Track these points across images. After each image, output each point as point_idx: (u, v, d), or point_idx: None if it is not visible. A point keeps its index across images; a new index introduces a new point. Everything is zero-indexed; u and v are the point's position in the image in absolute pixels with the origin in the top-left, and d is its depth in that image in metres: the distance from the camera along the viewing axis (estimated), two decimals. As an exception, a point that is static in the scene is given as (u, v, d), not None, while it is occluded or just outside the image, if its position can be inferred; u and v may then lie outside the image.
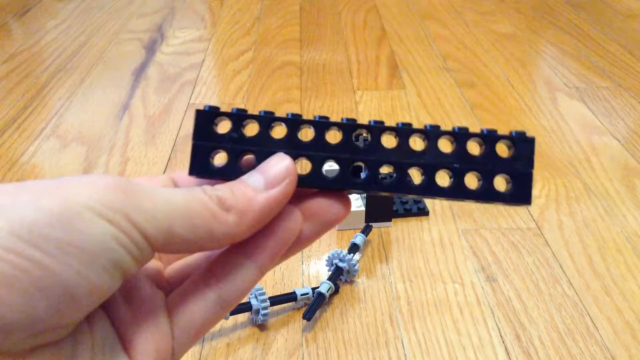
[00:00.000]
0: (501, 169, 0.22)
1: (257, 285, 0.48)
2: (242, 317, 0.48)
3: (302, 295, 0.48)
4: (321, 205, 0.22)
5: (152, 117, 0.79)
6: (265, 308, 0.46)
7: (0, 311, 0.15)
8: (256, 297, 0.47)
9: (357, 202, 0.58)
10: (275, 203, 0.21)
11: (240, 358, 0.44)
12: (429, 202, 0.61)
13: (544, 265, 0.53)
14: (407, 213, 0.59)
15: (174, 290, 0.22)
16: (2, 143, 0.73)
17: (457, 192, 0.22)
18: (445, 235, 0.57)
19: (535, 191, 0.63)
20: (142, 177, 0.24)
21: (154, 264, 0.23)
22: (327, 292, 0.48)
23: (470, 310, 0.48)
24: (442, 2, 1.22)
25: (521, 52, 0.99)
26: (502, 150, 0.22)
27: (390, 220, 0.58)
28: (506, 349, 0.45)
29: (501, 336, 0.46)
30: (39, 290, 0.16)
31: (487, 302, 0.49)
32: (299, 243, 0.22)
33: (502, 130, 0.22)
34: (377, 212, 0.57)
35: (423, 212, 0.59)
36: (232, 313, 0.46)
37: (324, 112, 0.79)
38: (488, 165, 0.22)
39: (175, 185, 0.23)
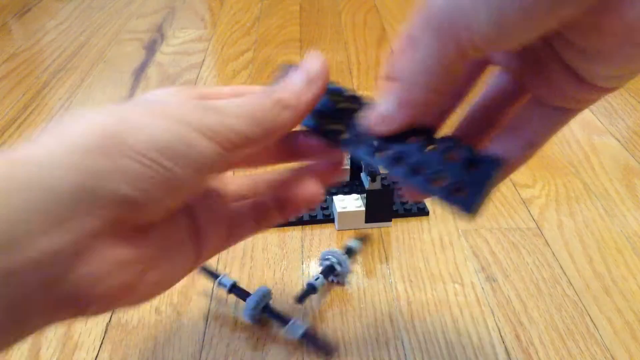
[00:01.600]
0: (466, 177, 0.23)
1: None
2: (242, 317, 0.48)
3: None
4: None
5: (152, 117, 0.79)
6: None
7: (135, 194, 0.20)
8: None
9: (357, 202, 0.58)
10: (316, 96, 0.26)
11: (240, 358, 0.44)
12: (429, 203, 0.61)
13: (544, 265, 0.53)
14: (407, 213, 0.59)
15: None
16: (2, 143, 0.73)
17: (420, 180, 0.24)
18: (445, 236, 0.57)
19: (535, 191, 0.63)
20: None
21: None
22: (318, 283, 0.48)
23: (470, 310, 0.48)
24: (442, 2, 1.22)
25: (521, 52, 0.98)
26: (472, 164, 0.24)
27: (390, 220, 0.58)
28: (506, 349, 0.45)
29: (501, 336, 0.46)
30: (163, 186, 0.21)
31: (487, 302, 0.49)
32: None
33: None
34: (377, 212, 0.57)
35: (423, 212, 0.59)
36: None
37: (324, 112, 0.79)
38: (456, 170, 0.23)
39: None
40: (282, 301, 0.49)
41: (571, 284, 0.51)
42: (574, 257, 0.54)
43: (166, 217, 0.23)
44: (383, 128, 0.26)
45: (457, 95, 0.29)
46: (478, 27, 0.20)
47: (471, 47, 0.21)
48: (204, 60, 0.96)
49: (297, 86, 0.26)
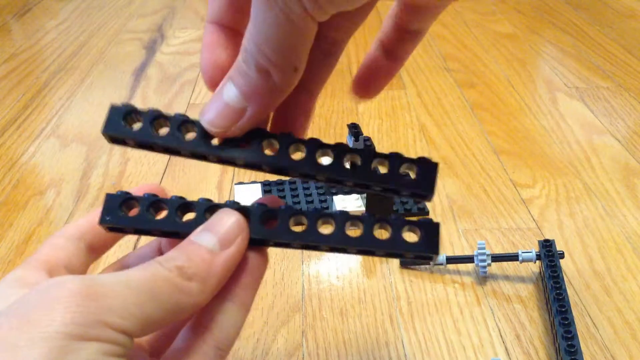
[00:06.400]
0: (405, 189, 0.22)
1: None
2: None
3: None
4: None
5: (152, 117, 0.79)
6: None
7: None
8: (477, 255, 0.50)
9: (357, 202, 0.58)
10: (233, 261, 0.21)
11: (240, 358, 0.44)
12: (428, 202, 0.61)
13: (544, 265, 0.53)
14: (407, 213, 0.59)
15: (167, 354, 0.22)
16: (2, 143, 0.73)
17: (368, 241, 0.22)
18: (445, 235, 0.57)
19: (535, 191, 0.63)
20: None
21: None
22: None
23: (470, 310, 0.48)
24: (442, 2, 1.22)
25: (521, 52, 0.99)
26: (407, 170, 0.23)
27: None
28: (506, 349, 0.45)
29: (501, 336, 0.46)
30: None
31: (487, 302, 0.49)
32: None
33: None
34: (377, 212, 0.57)
35: (423, 212, 0.59)
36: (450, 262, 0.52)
37: (324, 112, 0.79)
38: (392, 184, 0.22)
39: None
40: (282, 301, 0.49)
41: (571, 284, 0.51)
42: (574, 257, 0.54)
43: None
44: (237, 127, 0.21)
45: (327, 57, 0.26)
46: None
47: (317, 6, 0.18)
48: (204, 60, 0.96)
49: (203, 249, 0.21)
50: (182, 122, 0.22)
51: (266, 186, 0.63)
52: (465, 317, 0.48)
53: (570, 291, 0.50)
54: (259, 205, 0.23)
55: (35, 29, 1.10)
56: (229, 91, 0.20)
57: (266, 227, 0.22)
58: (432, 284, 0.51)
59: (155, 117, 0.22)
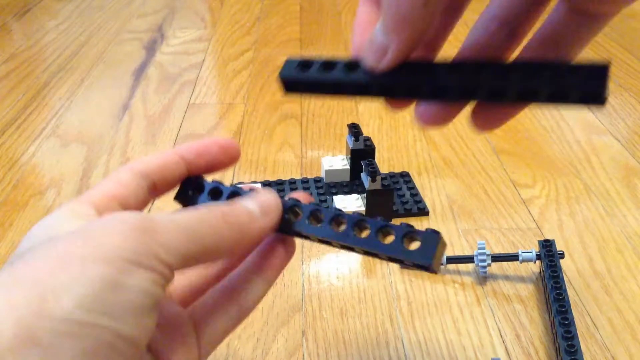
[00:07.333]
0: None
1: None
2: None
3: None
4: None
5: (152, 117, 0.79)
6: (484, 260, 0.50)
7: None
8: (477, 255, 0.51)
9: (357, 202, 0.58)
10: (265, 230, 0.24)
11: (240, 358, 0.44)
12: (429, 202, 0.61)
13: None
14: (407, 213, 0.59)
15: (195, 305, 0.26)
16: (2, 143, 0.73)
17: (371, 243, 0.25)
18: (445, 235, 0.56)
19: (535, 191, 0.63)
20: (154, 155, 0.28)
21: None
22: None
23: (470, 310, 0.48)
24: (442, 2, 1.22)
25: (521, 52, 0.98)
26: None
27: (390, 220, 0.58)
28: (506, 349, 0.45)
29: (501, 336, 0.46)
30: (113, 351, 0.18)
31: (487, 302, 0.49)
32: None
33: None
34: (377, 212, 0.57)
35: (423, 212, 0.59)
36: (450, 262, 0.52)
37: (324, 112, 0.79)
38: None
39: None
40: (282, 301, 0.49)
41: (571, 284, 0.51)
42: (574, 257, 0.54)
43: None
44: (383, 63, 0.22)
45: (455, 7, 0.26)
46: None
47: None
48: (204, 60, 0.96)
49: (247, 210, 0.24)
50: (348, 64, 0.24)
51: (266, 186, 0.63)
52: (465, 317, 0.48)
53: (570, 291, 0.50)
54: (289, 199, 0.26)
55: (35, 29, 1.10)
56: (375, 29, 0.22)
57: (291, 219, 0.26)
58: (432, 284, 0.51)
59: (325, 62, 0.24)
